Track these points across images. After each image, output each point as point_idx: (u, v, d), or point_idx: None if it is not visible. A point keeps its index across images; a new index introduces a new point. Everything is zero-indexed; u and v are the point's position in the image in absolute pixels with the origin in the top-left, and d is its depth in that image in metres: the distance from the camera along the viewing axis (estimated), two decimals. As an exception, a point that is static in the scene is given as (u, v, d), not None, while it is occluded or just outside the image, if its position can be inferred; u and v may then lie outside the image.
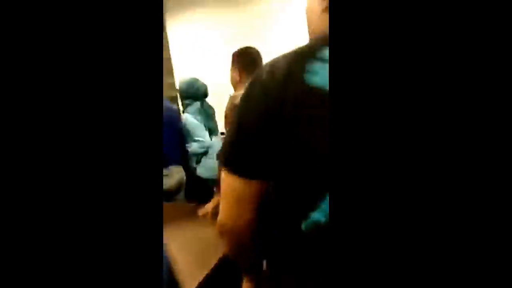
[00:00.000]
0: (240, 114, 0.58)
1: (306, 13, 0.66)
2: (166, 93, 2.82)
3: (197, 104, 2.29)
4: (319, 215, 0.54)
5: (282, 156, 0.54)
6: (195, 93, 2.32)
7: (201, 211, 1.47)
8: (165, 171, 1.87)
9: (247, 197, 0.59)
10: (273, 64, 0.56)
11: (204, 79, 2.41)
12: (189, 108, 2.30)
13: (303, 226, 0.56)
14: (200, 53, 4.56)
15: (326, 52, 0.53)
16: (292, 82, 0.53)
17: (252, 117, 0.56)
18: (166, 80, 2.88)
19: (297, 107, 0.52)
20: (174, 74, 3.04)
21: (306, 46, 0.57)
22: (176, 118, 2.12)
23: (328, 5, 0.60)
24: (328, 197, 0.53)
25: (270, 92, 0.54)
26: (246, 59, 1.70)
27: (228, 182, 0.59)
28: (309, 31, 0.66)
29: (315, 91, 0.51)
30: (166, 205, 1.57)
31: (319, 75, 0.52)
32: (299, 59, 0.54)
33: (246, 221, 0.60)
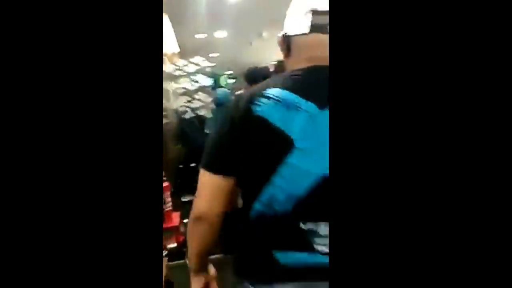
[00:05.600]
0: (216, 128, 0.81)
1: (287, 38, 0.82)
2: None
3: None
4: (259, 205, 0.75)
5: (239, 159, 0.74)
6: None
7: None
8: None
9: (221, 191, 0.76)
10: (239, 95, 0.80)
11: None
12: None
13: (250, 216, 0.76)
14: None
15: (272, 91, 0.74)
16: (244, 109, 0.74)
17: (222, 131, 0.78)
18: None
19: (244, 126, 0.73)
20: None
21: (260, 84, 0.78)
22: None
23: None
24: (264, 191, 0.73)
25: (232, 115, 0.76)
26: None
27: (206, 179, 0.77)
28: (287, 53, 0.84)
29: (256, 117, 0.72)
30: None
31: (261, 107, 0.72)
32: (252, 94, 0.75)
33: (220, 211, 0.77)
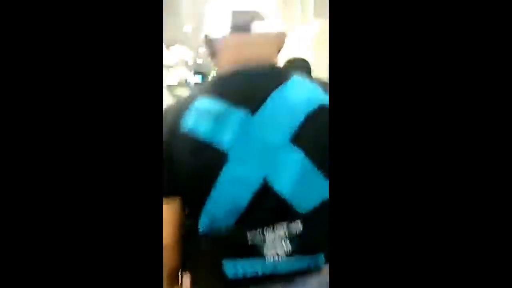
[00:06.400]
0: None
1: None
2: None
3: None
4: (203, 222, 0.73)
5: (177, 178, 0.72)
6: None
7: None
8: None
9: (168, 213, 0.73)
10: (165, 111, 0.75)
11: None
12: None
13: (200, 229, 0.74)
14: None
15: (197, 103, 0.71)
16: (173, 127, 0.71)
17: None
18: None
19: (176, 144, 0.70)
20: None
21: (187, 96, 0.78)
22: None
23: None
24: (205, 208, 0.71)
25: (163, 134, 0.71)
26: None
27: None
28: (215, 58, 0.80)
29: (184, 133, 0.69)
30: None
31: (188, 121, 0.69)
32: (178, 109, 0.73)
33: (173, 233, 0.75)
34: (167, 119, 0.72)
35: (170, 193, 0.73)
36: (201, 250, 0.79)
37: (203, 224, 0.73)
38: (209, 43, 0.78)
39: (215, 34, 0.76)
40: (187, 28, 5.74)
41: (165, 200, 0.71)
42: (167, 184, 0.71)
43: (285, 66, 1.78)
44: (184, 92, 2.82)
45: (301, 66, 1.82)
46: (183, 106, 0.72)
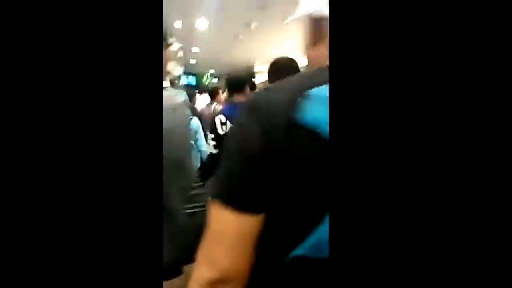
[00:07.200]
0: (236, 146, 0.59)
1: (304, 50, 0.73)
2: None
3: None
4: (301, 250, 0.58)
5: (276, 190, 0.58)
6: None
7: None
8: None
9: (249, 235, 0.57)
10: (266, 99, 0.60)
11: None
12: None
13: (287, 259, 0.59)
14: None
15: (319, 90, 0.57)
16: (284, 117, 0.55)
17: (249, 149, 0.59)
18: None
19: (287, 140, 0.55)
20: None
21: (295, 82, 0.62)
22: None
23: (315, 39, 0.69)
24: (315, 232, 0.57)
25: (265, 126, 0.56)
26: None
27: (229, 220, 0.57)
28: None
29: (302, 126, 0.55)
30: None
31: (308, 113, 0.55)
32: (291, 96, 0.58)
33: (248, 264, 0.58)
34: (273, 109, 0.57)
35: (259, 207, 0.56)
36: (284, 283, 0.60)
37: (298, 252, 0.57)
38: (316, 23, 0.66)
39: (324, 13, 0.64)
40: (177, 24, 5.28)
41: (247, 215, 0.55)
42: (258, 193, 0.56)
43: (272, 66, 1.83)
44: (173, 93, 2.38)
45: (289, 66, 1.77)
46: (295, 94, 0.57)
